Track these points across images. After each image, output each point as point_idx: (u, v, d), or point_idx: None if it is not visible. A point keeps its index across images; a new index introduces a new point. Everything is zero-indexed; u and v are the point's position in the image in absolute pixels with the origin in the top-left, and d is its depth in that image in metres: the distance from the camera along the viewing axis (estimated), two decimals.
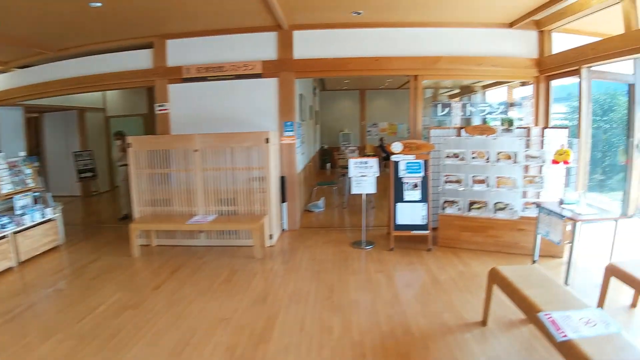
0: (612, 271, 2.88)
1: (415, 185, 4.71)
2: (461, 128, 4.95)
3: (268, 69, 5.40)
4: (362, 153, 12.01)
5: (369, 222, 6.01)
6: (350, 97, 13.45)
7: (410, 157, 4.73)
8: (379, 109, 13.43)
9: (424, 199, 4.69)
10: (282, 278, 3.96)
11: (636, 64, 5.04)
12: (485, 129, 4.64)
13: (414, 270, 4.09)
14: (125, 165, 5.53)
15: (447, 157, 4.73)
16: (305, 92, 7.64)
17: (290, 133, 5.55)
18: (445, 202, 4.77)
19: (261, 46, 5.44)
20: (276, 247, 4.96)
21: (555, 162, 4.12)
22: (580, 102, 4.37)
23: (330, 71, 5.47)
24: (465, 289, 3.58)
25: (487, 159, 4.52)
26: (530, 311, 2.30)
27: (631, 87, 5.04)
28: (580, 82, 4.36)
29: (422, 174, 4.71)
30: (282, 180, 5.53)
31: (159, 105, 5.71)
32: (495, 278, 2.83)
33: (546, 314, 2.13)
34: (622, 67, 4.86)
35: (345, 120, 13.42)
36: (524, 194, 4.58)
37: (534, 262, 4.03)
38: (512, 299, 2.57)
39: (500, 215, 4.47)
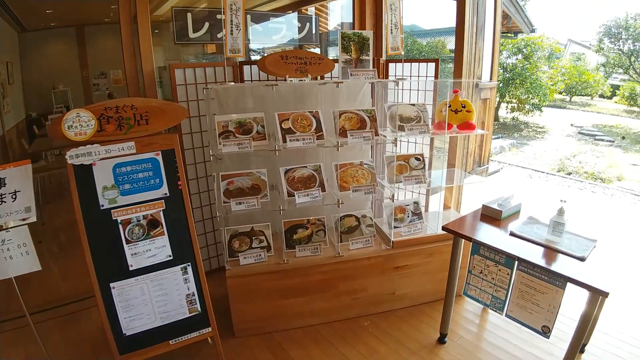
0: None
1: (152, 225, 1.72)
2: (250, 63, 2.22)
3: None
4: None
5: (53, 293, 2.61)
6: (64, 37, 8.69)
7: (127, 149, 1.64)
8: (108, 52, 9.07)
9: (185, 252, 1.78)
10: None
11: None
12: (310, 58, 2.03)
13: None
14: None
15: (224, 134, 1.93)
16: None
17: None
18: (234, 239, 2.05)
19: None
20: None
21: (449, 126, 2.00)
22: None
23: None
24: None
25: (316, 130, 2.01)
26: None
27: None
28: None
29: (165, 191, 1.73)
30: None
31: None
32: None
33: None
34: None
35: (60, 73, 8.69)
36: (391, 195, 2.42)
37: (443, 337, 1.94)
38: None
39: (356, 245, 2.14)
